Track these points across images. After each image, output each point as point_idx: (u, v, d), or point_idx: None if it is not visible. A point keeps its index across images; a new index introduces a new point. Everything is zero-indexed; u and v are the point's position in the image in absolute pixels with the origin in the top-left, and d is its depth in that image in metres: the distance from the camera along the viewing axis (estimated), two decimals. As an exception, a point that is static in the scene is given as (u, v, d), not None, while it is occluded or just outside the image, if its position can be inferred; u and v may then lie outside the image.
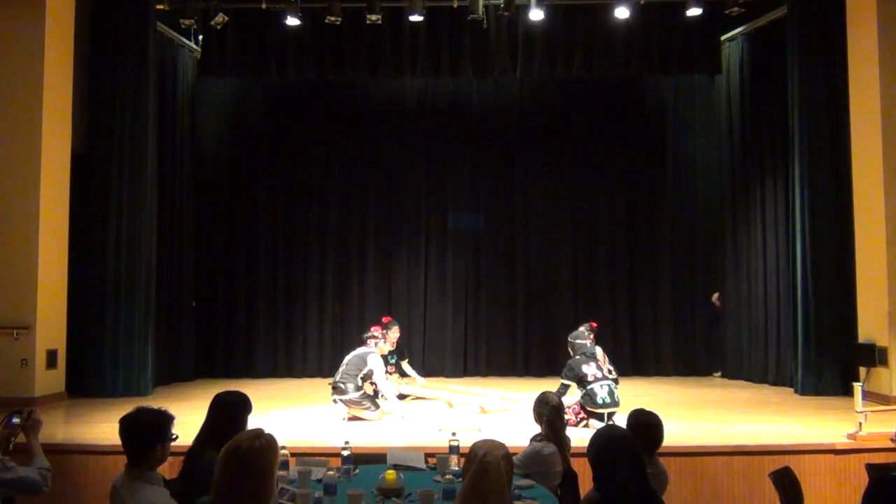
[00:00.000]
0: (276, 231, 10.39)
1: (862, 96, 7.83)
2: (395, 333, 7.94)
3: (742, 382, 9.45)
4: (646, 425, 3.58)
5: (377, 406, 6.75)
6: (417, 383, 8.23)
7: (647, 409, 3.74)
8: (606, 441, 2.89)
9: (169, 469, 4.36)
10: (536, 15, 8.53)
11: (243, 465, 2.38)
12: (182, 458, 3.57)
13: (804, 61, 8.34)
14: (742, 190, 9.82)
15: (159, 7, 8.67)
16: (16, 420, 3.39)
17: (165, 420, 2.95)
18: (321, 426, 6.41)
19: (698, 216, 10.48)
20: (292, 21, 8.59)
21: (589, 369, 6.31)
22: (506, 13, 8.42)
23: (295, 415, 7.05)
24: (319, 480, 3.51)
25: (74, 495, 5.28)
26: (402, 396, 7.98)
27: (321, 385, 8.54)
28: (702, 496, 5.31)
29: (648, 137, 10.58)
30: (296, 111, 10.43)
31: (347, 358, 6.99)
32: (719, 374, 9.99)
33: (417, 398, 8.03)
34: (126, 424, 2.90)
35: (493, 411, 7.28)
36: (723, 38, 9.73)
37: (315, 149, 10.46)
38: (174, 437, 3.00)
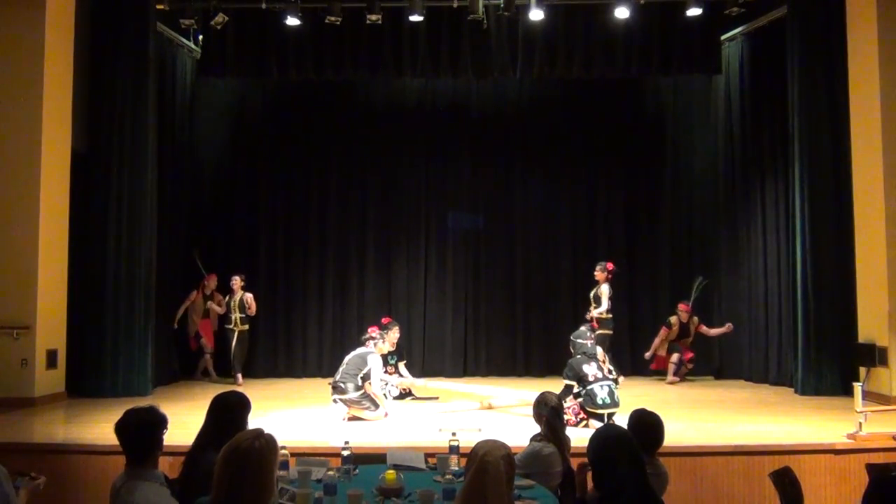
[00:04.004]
0: (275, 231, 10.38)
1: (862, 96, 7.83)
2: (394, 334, 7.96)
3: (742, 382, 9.45)
4: (647, 425, 3.59)
5: (377, 406, 6.75)
6: (415, 385, 8.27)
7: (648, 409, 3.74)
8: (605, 440, 2.90)
9: (169, 469, 4.37)
10: (536, 15, 8.53)
11: (243, 466, 2.38)
12: (182, 458, 3.57)
13: (804, 61, 8.34)
14: (742, 190, 9.82)
15: (159, 7, 8.66)
16: (19, 483, 3.37)
17: (155, 415, 2.99)
18: (321, 426, 6.41)
19: (698, 216, 10.47)
20: (292, 21, 8.59)
21: (589, 369, 6.32)
22: (506, 13, 8.43)
23: (295, 415, 7.05)
24: (319, 480, 3.51)
25: (74, 495, 5.27)
26: (402, 396, 8.00)
27: (321, 385, 8.55)
28: (702, 496, 5.31)
29: (648, 137, 10.57)
30: (295, 111, 10.43)
31: (348, 358, 7.00)
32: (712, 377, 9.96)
33: (416, 399, 8.05)
34: (123, 428, 2.92)
35: (495, 408, 7.30)
36: (723, 38, 9.72)
37: (315, 149, 10.46)
38: (166, 428, 3.02)
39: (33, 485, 3.31)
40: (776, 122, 9.12)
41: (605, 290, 8.90)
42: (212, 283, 9.49)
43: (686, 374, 9.66)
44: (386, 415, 6.77)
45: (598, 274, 8.99)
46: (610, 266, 9.02)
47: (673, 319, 9.52)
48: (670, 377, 9.43)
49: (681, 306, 9.54)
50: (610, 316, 8.92)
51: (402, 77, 9.87)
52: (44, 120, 7.54)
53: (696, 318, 9.55)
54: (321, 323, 10.29)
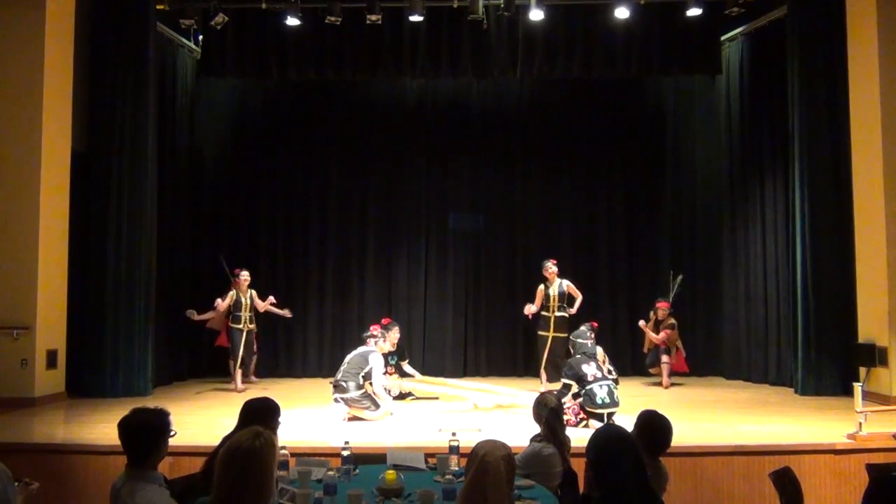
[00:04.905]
0: (276, 230, 10.38)
1: (862, 96, 7.83)
2: (395, 334, 7.96)
3: (742, 382, 9.45)
4: (657, 427, 3.52)
5: (377, 406, 6.76)
6: (416, 379, 8.28)
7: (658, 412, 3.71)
8: (606, 440, 2.89)
9: (169, 469, 4.37)
10: (536, 15, 8.53)
11: (244, 465, 2.39)
12: (181, 458, 3.57)
13: (804, 61, 8.34)
14: (742, 190, 9.82)
15: (159, 7, 8.66)
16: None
17: (163, 418, 2.97)
18: (321, 426, 6.41)
19: (698, 216, 10.48)
20: (292, 21, 8.59)
21: (589, 369, 6.33)
22: (506, 13, 8.43)
23: (295, 415, 7.04)
24: (319, 480, 3.51)
25: (74, 495, 5.27)
26: (402, 396, 8.00)
27: (321, 385, 8.56)
28: (702, 496, 5.31)
29: (648, 137, 10.57)
30: (296, 111, 10.43)
31: (349, 357, 7.01)
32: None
33: (419, 398, 8.05)
34: (126, 427, 2.91)
35: (488, 409, 7.30)
36: (723, 38, 9.73)
37: (315, 149, 10.46)
38: (173, 433, 3.02)
39: (28, 491, 3.31)
40: (776, 122, 9.12)
41: (570, 284, 8.54)
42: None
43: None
44: (391, 413, 6.76)
45: (551, 271, 8.53)
46: (554, 261, 8.64)
47: (651, 315, 9.22)
48: (665, 379, 9.09)
49: (661, 304, 9.12)
50: (567, 315, 8.53)
51: (402, 77, 9.87)
52: (44, 120, 7.53)
53: (672, 321, 9.06)
54: (321, 323, 10.29)
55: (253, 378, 9.23)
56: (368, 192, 10.45)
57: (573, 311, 8.57)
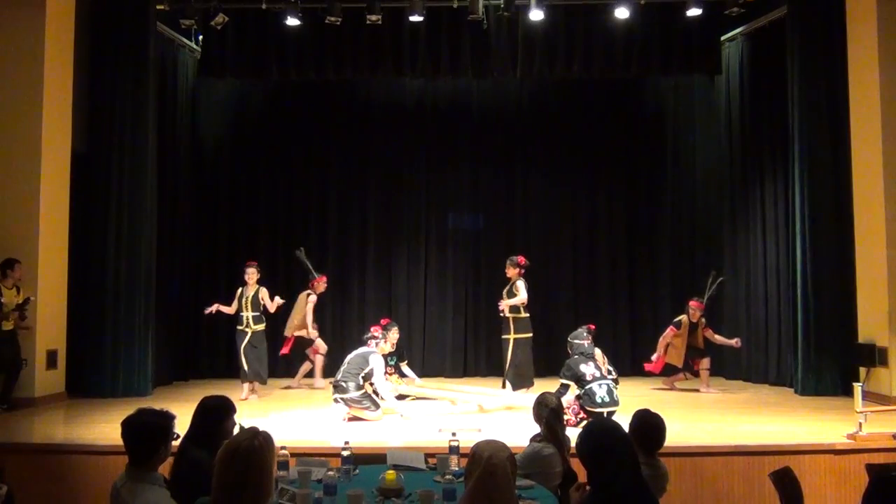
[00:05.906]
0: (275, 231, 10.38)
1: (862, 96, 7.83)
2: (394, 335, 7.94)
3: (742, 382, 9.44)
4: (650, 426, 3.58)
5: (377, 406, 6.76)
6: (415, 384, 8.27)
7: (651, 410, 3.74)
8: (594, 433, 2.89)
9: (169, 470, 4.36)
10: (536, 15, 8.53)
11: (245, 464, 2.40)
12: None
13: (804, 61, 8.34)
14: (742, 190, 9.81)
15: (159, 7, 8.67)
16: None
17: (168, 421, 2.97)
18: (321, 426, 6.41)
19: (698, 216, 10.47)
20: (292, 21, 8.59)
21: (587, 369, 6.33)
22: (506, 13, 8.43)
23: (295, 415, 7.06)
24: (319, 480, 3.51)
25: (74, 495, 5.27)
26: (401, 397, 8.00)
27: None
28: (702, 496, 5.31)
29: (648, 138, 10.57)
30: (296, 111, 10.43)
31: (349, 357, 7.01)
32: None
33: (417, 398, 8.04)
34: (129, 427, 2.91)
35: (493, 410, 7.29)
36: (723, 38, 9.73)
37: (315, 149, 10.47)
38: (176, 436, 3.02)
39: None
40: (776, 122, 9.12)
41: (521, 285, 7.96)
42: (321, 285, 8.85)
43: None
44: (402, 415, 6.73)
45: (510, 270, 8.08)
46: (521, 260, 8.12)
47: (683, 318, 8.78)
48: (704, 387, 8.62)
49: (692, 303, 8.70)
50: (527, 315, 8.11)
51: (402, 77, 9.86)
52: (44, 120, 7.54)
53: (703, 320, 8.81)
54: (321, 323, 10.24)
55: (320, 380, 8.88)
56: (368, 192, 10.45)
57: (515, 301, 8.00)
